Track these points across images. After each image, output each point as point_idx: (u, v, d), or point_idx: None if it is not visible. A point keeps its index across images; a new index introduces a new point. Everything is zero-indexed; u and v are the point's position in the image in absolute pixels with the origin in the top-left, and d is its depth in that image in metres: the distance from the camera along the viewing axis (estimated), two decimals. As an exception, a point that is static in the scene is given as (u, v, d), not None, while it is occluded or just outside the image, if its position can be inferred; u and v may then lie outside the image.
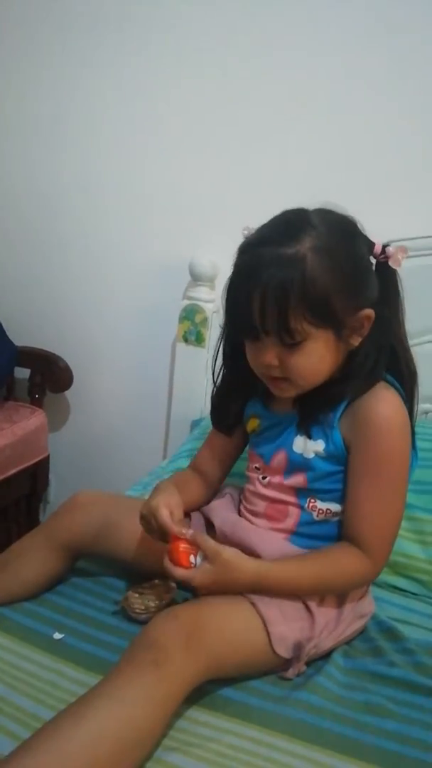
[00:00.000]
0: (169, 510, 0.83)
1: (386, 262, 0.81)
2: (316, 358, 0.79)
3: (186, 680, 0.68)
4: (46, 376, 1.66)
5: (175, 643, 0.68)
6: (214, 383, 0.95)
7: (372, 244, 0.81)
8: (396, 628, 0.90)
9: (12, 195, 1.69)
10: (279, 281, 0.73)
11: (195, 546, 0.79)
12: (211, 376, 0.97)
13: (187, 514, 0.96)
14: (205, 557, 0.77)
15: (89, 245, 1.64)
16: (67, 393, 1.71)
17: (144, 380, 1.65)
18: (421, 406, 1.35)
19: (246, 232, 0.82)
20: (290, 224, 0.78)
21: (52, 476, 1.73)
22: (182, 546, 0.79)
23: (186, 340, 1.51)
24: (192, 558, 0.78)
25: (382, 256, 0.81)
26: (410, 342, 1.27)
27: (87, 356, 1.68)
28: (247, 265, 0.77)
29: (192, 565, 0.78)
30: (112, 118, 1.54)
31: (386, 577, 1.02)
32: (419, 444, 1.13)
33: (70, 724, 0.60)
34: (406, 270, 1.25)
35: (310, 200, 0.81)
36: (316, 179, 1.37)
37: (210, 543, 0.78)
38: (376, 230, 0.83)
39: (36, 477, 1.64)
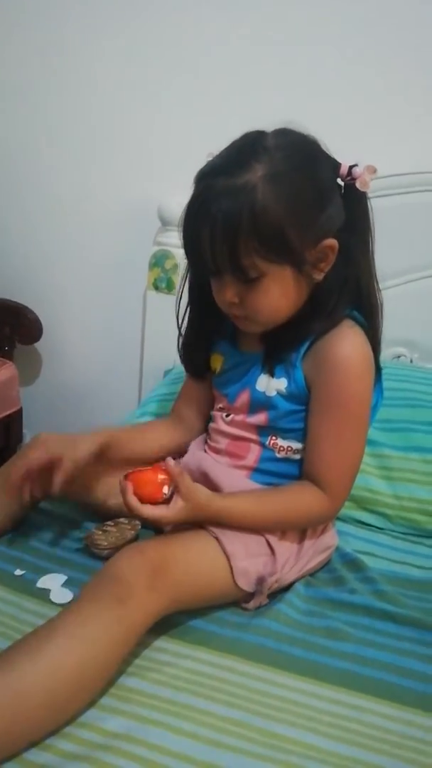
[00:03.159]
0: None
1: (354, 184, 0.77)
2: (274, 296, 0.76)
3: (148, 616, 0.68)
4: (14, 328, 1.63)
5: (140, 579, 0.67)
6: (179, 328, 0.92)
7: (337, 165, 0.77)
8: (359, 559, 0.91)
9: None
10: (226, 214, 0.70)
11: (169, 477, 0.75)
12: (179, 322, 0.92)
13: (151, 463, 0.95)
14: (177, 490, 0.75)
15: (55, 192, 1.59)
16: (38, 345, 1.68)
17: (116, 330, 1.62)
18: (394, 350, 1.35)
19: (209, 158, 0.77)
20: (242, 151, 0.73)
21: (26, 430, 1.71)
22: (161, 477, 0.75)
23: (156, 288, 1.48)
24: (165, 489, 0.75)
25: (349, 177, 0.77)
26: (389, 282, 1.28)
27: (56, 307, 1.65)
28: (197, 197, 0.73)
29: (164, 496, 0.75)
30: (78, 58, 1.47)
31: (351, 512, 1.03)
32: (389, 384, 1.13)
33: (26, 659, 0.60)
34: (391, 208, 1.24)
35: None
36: (291, 115, 1.32)
37: (187, 480, 0.75)
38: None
39: (9, 430, 1.62)
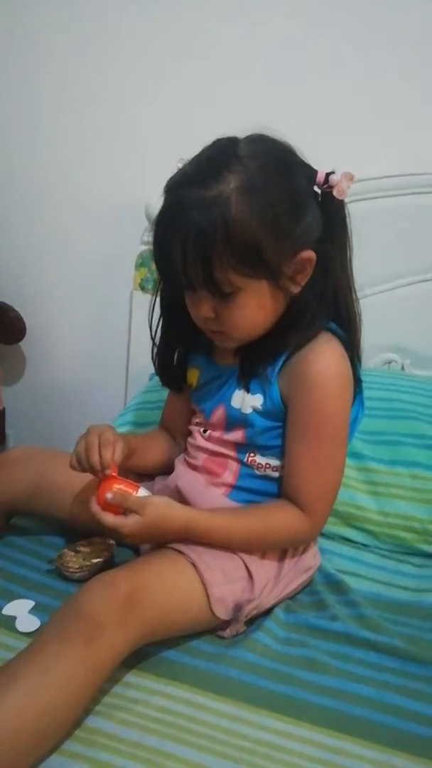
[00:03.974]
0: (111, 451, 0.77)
1: (331, 192, 0.73)
2: (251, 310, 0.72)
3: (118, 655, 0.64)
4: (-4, 327, 1.59)
5: (111, 618, 0.63)
6: (153, 339, 0.88)
7: (313, 173, 0.73)
8: (342, 580, 0.88)
9: None
10: (199, 228, 0.66)
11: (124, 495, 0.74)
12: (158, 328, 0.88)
13: (152, 477, 0.92)
14: (127, 509, 0.73)
15: (39, 189, 1.53)
16: (22, 345, 1.64)
17: (102, 330, 1.58)
18: (385, 356, 1.31)
19: (180, 164, 0.73)
20: (214, 160, 0.69)
21: (9, 430, 1.68)
22: (116, 487, 0.74)
23: (143, 288, 1.44)
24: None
25: (326, 185, 0.73)
26: (382, 287, 1.24)
27: (40, 306, 1.60)
28: (167, 209, 0.69)
29: (122, 511, 0.74)
30: (61, 53, 1.42)
31: (337, 528, 1.00)
32: (377, 394, 1.10)
33: None
34: (373, 212, 1.20)
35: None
36: (277, 113, 1.26)
37: (133, 498, 0.73)
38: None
39: (-8, 431, 1.59)
